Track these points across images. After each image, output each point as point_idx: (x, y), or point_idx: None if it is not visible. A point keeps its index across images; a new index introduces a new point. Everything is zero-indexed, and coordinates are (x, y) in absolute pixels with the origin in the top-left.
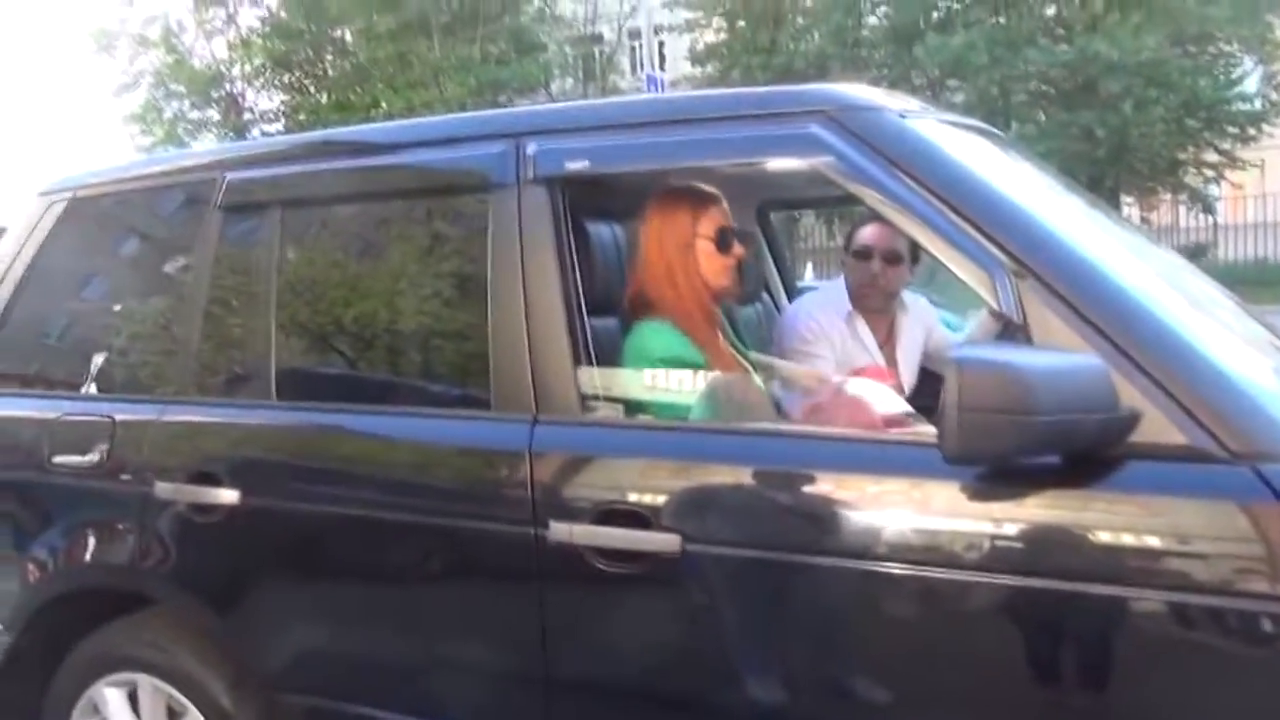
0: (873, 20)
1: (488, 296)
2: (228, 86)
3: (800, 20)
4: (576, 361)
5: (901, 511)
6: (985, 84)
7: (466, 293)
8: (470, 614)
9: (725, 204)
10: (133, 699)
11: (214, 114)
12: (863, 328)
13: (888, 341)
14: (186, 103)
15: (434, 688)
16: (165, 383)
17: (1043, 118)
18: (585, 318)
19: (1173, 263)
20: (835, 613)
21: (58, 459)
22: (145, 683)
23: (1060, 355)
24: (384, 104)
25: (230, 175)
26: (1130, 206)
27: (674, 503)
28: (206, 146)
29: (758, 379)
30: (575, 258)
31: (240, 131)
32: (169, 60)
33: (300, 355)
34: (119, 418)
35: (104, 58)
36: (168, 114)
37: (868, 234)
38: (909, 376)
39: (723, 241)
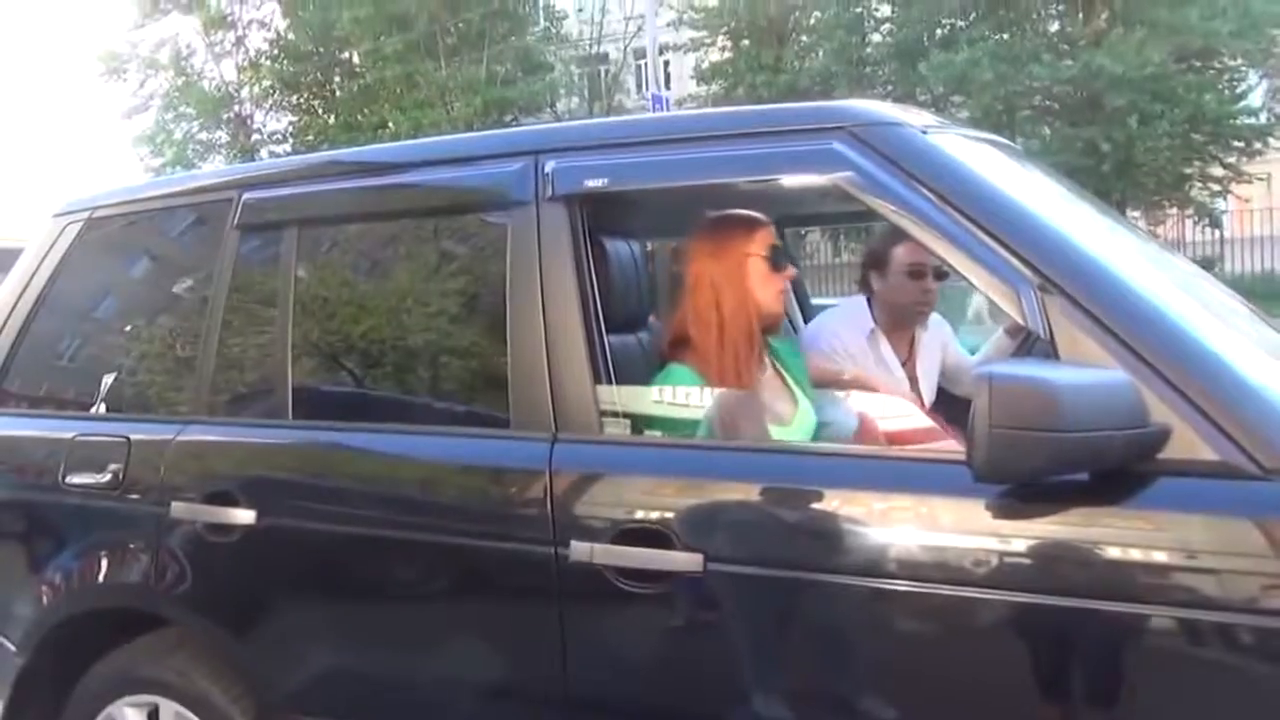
0: (877, 38)
1: (506, 314)
2: (236, 108)
3: (804, 38)
4: (596, 380)
5: (929, 529)
6: (990, 100)
7: (485, 311)
8: (490, 635)
9: (772, 227)
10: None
11: (223, 135)
12: (885, 346)
13: (909, 359)
14: (196, 125)
15: (454, 709)
16: (181, 403)
17: (1048, 133)
18: (604, 336)
19: (1194, 276)
20: (860, 632)
21: (72, 479)
22: (165, 706)
23: (1089, 370)
24: (391, 124)
25: (247, 195)
26: (1137, 221)
27: (696, 521)
28: (216, 168)
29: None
30: (594, 276)
31: (249, 153)
32: (178, 83)
33: (317, 374)
34: (135, 438)
35: (113, 80)
36: (177, 136)
37: (917, 252)
38: (929, 394)
39: (776, 260)
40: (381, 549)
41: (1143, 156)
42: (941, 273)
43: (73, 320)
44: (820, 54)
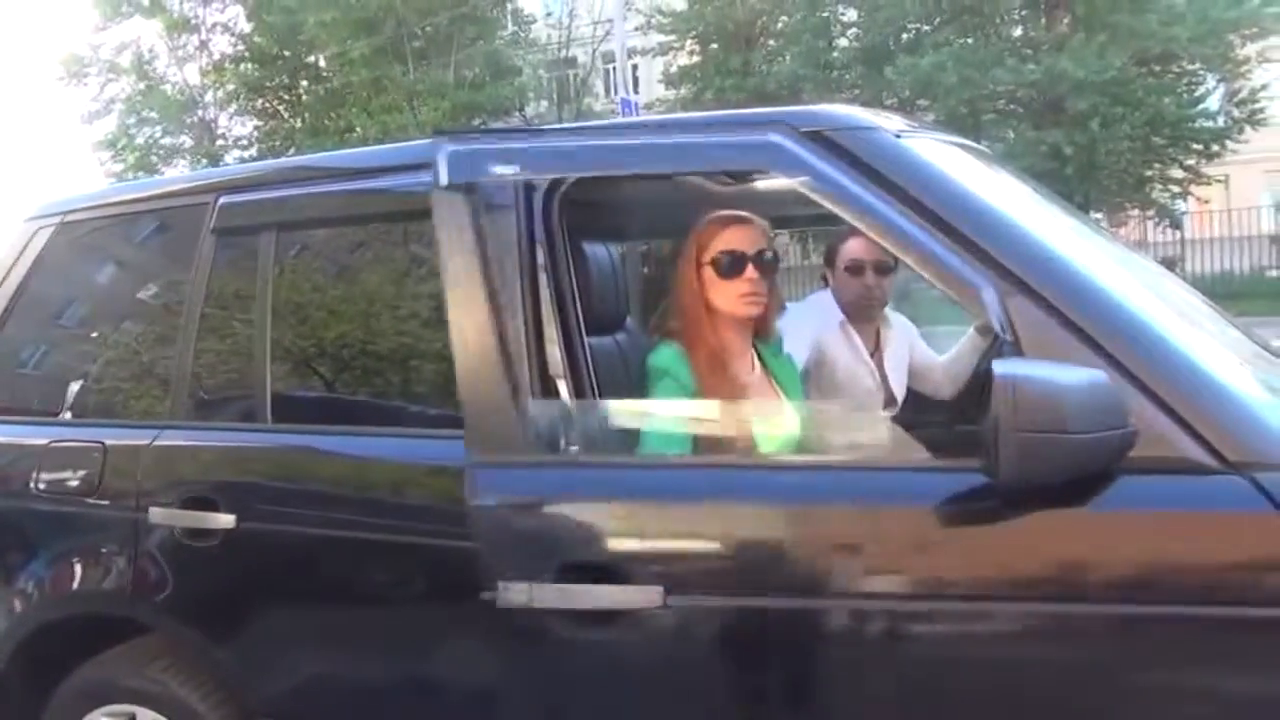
0: (843, 42)
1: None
2: (200, 113)
3: (772, 43)
4: (537, 392)
5: (916, 543)
6: (955, 103)
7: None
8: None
9: (753, 227)
10: None
11: (187, 140)
12: (855, 337)
13: (875, 353)
14: (159, 129)
15: (430, 711)
16: (158, 407)
17: (1012, 136)
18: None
19: (1158, 276)
20: (862, 659)
21: (46, 485)
22: (143, 716)
23: (1082, 371)
24: (359, 128)
25: (223, 199)
26: (1100, 222)
27: (651, 549)
28: (180, 173)
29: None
30: (572, 276)
31: (214, 157)
32: (141, 87)
33: (296, 378)
34: (110, 443)
35: (74, 85)
36: (139, 140)
37: (858, 248)
38: (899, 388)
39: (728, 266)
40: (360, 552)
41: (1104, 159)
42: (884, 268)
43: (45, 325)
44: (787, 58)
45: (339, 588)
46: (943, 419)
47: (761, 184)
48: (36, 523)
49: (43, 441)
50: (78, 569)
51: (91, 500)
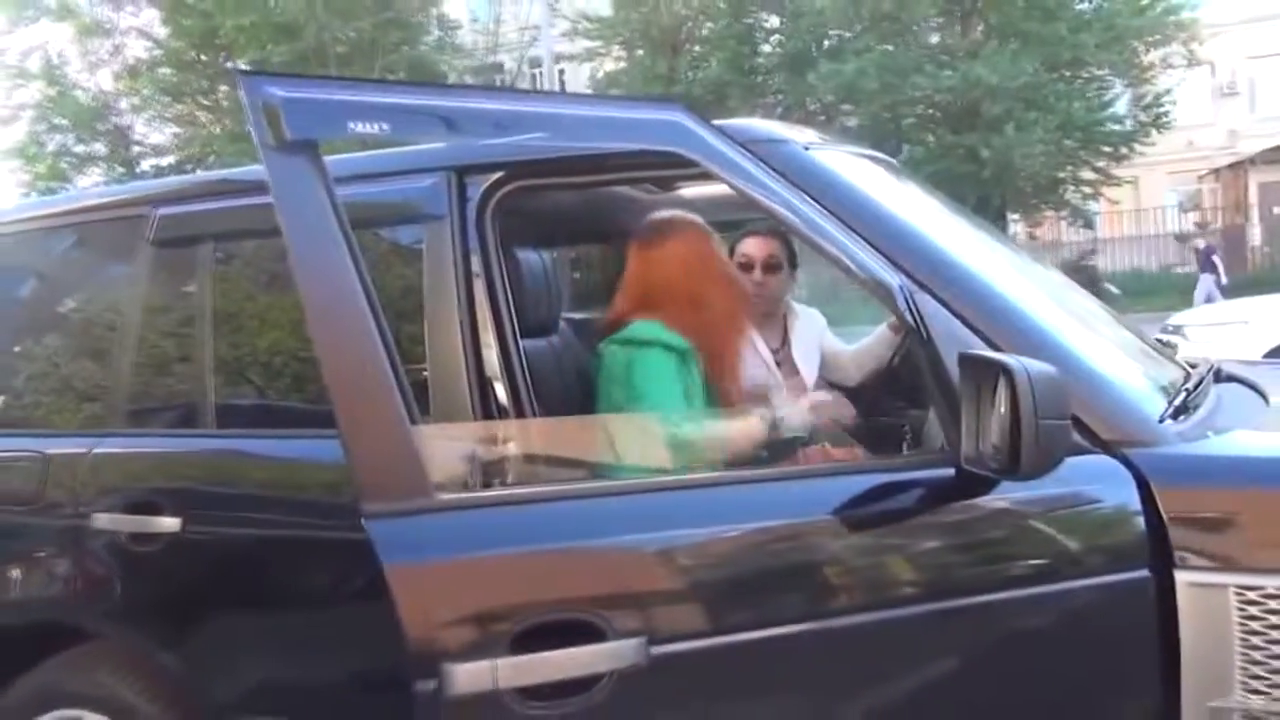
0: (767, 48)
1: (424, 324)
2: (115, 119)
3: (697, 49)
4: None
5: (906, 542)
6: (877, 109)
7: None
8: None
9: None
10: None
11: (101, 148)
12: (755, 336)
13: (783, 347)
14: (71, 136)
15: (372, 700)
16: (97, 416)
17: (932, 140)
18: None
19: (1050, 276)
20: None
21: None
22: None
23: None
24: None
25: (161, 210)
26: (1017, 223)
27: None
28: (94, 181)
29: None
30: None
31: (129, 165)
32: (51, 93)
33: (238, 384)
34: (51, 452)
35: None
36: (50, 148)
37: (748, 246)
38: (810, 377)
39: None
40: (304, 551)
41: (1020, 162)
42: (772, 266)
43: None
44: (713, 64)
45: (283, 585)
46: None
47: (686, 191)
48: None
49: None
50: (22, 577)
51: (34, 509)
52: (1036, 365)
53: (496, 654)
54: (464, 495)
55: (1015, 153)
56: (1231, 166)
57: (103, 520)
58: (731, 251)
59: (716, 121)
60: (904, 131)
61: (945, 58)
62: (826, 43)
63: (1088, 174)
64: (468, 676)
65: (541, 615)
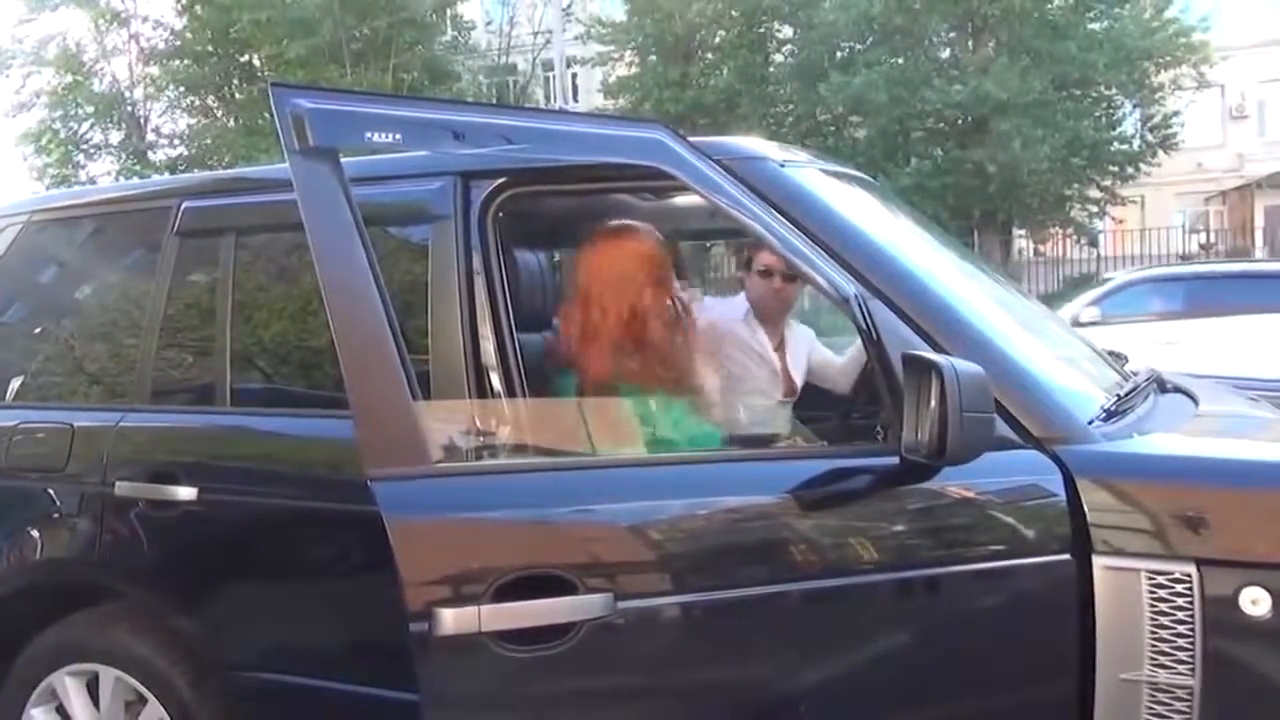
0: (779, 58)
1: (428, 316)
2: (130, 108)
3: (710, 56)
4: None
5: (863, 520)
6: (886, 121)
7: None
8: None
9: None
10: (90, 689)
11: (115, 136)
12: (760, 332)
13: (779, 350)
14: (86, 124)
15: (374, 659)
16: (123, 392)
17: (940, 154)
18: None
19: (1004, 287)
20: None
21: (16, 463)
22: (105, 673)
23: (970, 361)
24: None
25: (186, 203)
26: (1023, 239)
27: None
28: (105, 168)
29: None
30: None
31: (142, 154)
32: (67, 80)
33: (253, 367)
34: (78, 425)
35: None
36: (64, 134)
37: (768, 256)
38: (799, 381)
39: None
40: (308, 521)
41: (1026, 178)
42: (790, 274)
43: (12, 316)
44: (725, 72)
45: (288, 551)
46: (839, 409)
47: (679, 199)
48: (8, 497)
49: (11, 424)
50: (47, 540)
51: (60, 477)
52: (965, 365)
53: (480, 601)
54: (457, 464)
55: (1022, 169)
56: (1239, 189)
57: (124, 488)
58: (750, 261)
59: (695, 139)
60: (912, 144)
61: (955, 72)
62: (839, 54)
63: (1094, 192)
64: (454, 620)
65: (521, 570)
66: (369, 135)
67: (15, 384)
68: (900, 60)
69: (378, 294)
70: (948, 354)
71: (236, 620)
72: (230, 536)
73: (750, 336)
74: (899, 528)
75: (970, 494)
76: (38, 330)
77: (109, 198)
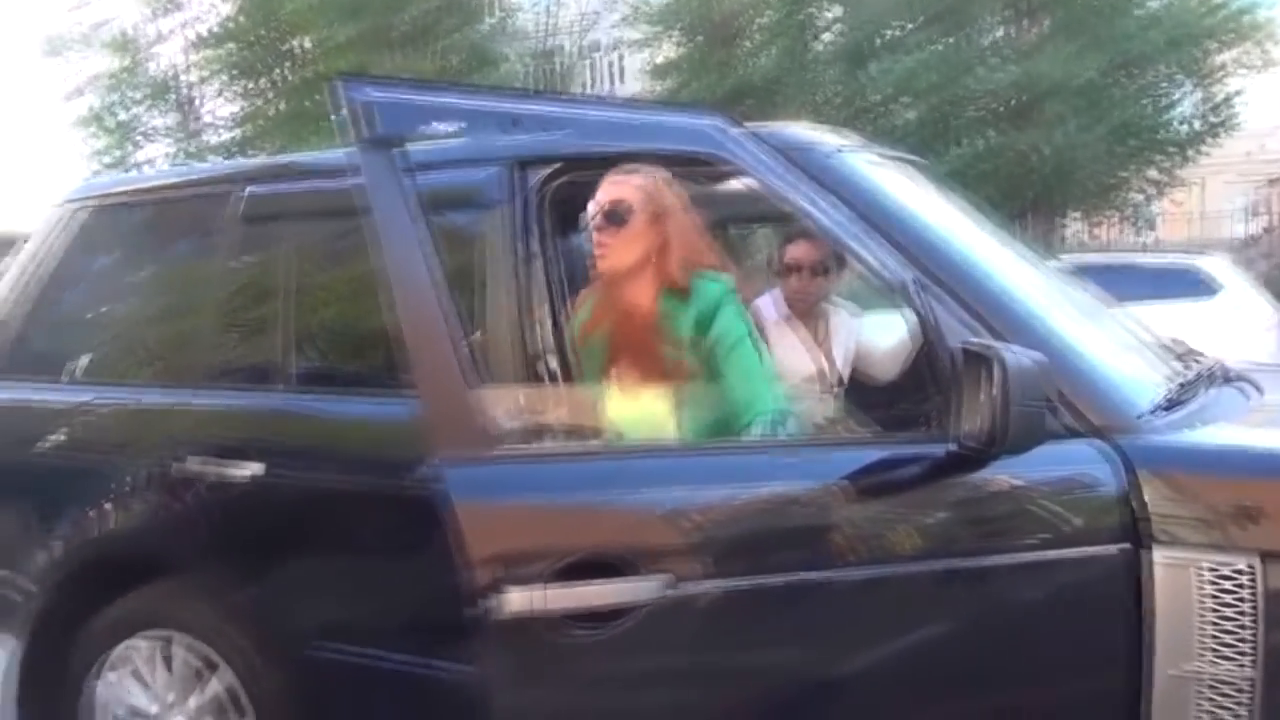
0: (825, 39)
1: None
2: (183, 91)
3: (754, 39)
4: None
5: (904, 511)
6: (934, 104)
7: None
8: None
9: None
10: (161, 656)
11: (167, 120)
12: (801, 329)
13: (821, 344)
14: (140, 108)
15: (430, 635)
16: (187, 373)
17: (990, 135)
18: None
19: (1060, 273)
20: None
21: (83, 440)
22: (179, 640)
23: (1031, 351)
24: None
25: (249, 189)
26: (1077, 222)
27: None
28: (161, 151)
29: None
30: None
31: (195, 136)
32: (123, 63)
33: (313, 348)
34: (145, 402)
35: (56, 61)
36: (121, 117)
37: (795, 250)
38: (844, 372)
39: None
40: (363, 500)
41: (1081, 161)
42: (819, 269)
43: (81, 297)
44: (770, 54)
45: (349, 530)
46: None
47: (730, 186)
48: (79, 472)
49: (79, 401)
50: (118, 514)
51: (128, 452)
52: (1023, 354)
53: (541, 583)
54: (519, 448)
55: (1074, 152)
56: None
57: (191, 465)
58: (778, 254)
59: (750, 126)
60: (959, 128)
61: (1006, 53)
62: (885, 36)
63: (1152, 173)
64: (517, 600)
65: (580, 553)
66: (432, 125)
67: (84, 362)
68: (950, 41)
69: (440, 281)
70: (1005, 342)
71: (294, 593)
72: (291, 513)
73: (790, 332)
74: (953, 516)
75: (1026, 483)
76: (105, 311)
77: (173, 183)
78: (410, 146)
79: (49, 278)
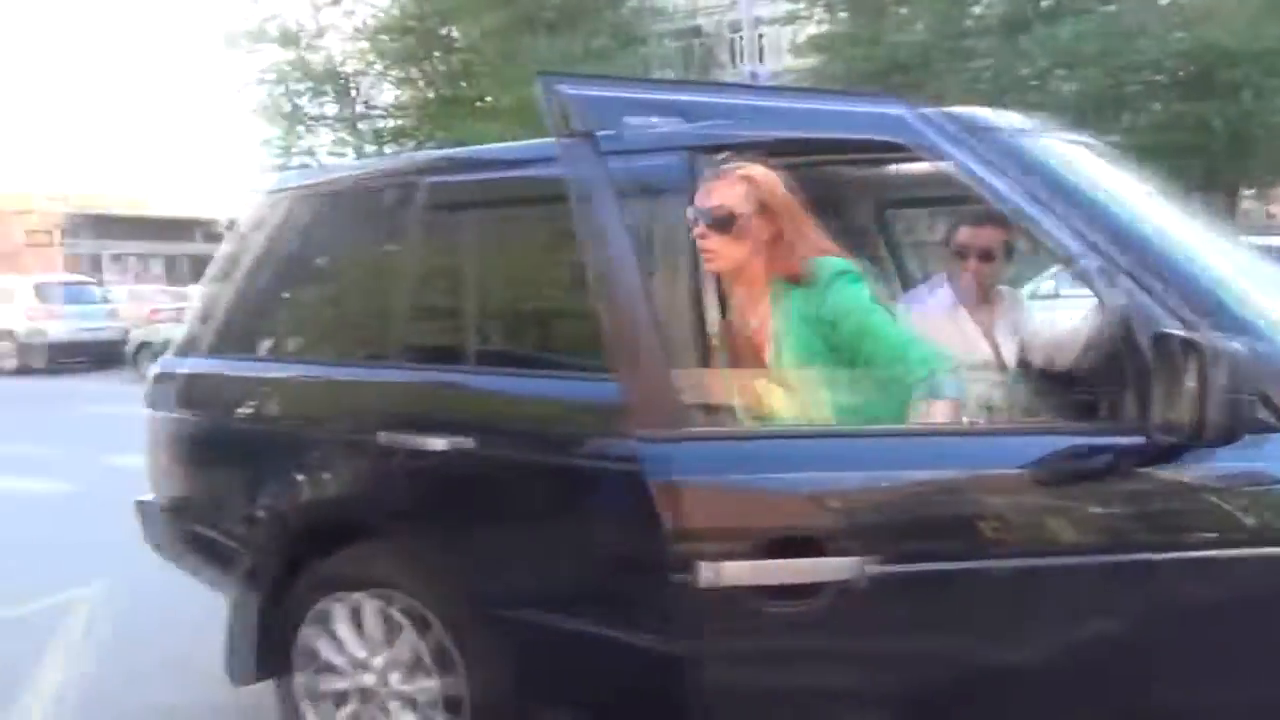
0: (977, 9)
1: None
2: (343, 82)
3: (903, 10)
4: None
5: (1098, 498)
6: (1096, 75)
7: None
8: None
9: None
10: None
11: (330, 109)
12: (965, 319)
13: (989, 333)
14: (305, 98)
15: (613, 603)
16: (382, 351)
17: (1158, 108)
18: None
19: (1254, 255)
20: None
21: (289, 412)
22: (381, 596)
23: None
24: (490, 99)
25: (430, 179)
26: (1250, 199)
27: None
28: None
29: None
30: None
31: (354, 124)
32: (289, 55)
33: (495, 329)
34: (340, 378)
35: (233, 53)
36: (286, 108)
37: (964, 234)
38: (1010, 360)
39: None
40: (549, 472)
41: (1258, 133)
42: (988, 254)
43: (286, 280)
44: (920, 26)
45: (535, 500)
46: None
47: (887, 168)
48: (287, 444)
49: (284, 376)
50: (325, 482)
51: (326, 425)
52: (1225, 343)
53: (738, 557)
54: (715, 429)
55: (1253, 123)
56: None
57: (385, 438)
58: (948, 239)
59: (928, 110)
60: (1126, 100)
61: (1176, 19)
62: (1044, 3)
63: None
64: (715, 573)
65: (775, 530)
66: (627, 118)
67: (291, 343)
68: (1114, 7)
69: (637, 267)
70: (1203, 331)
71: (487, 559)
72: (485, 484)
73: (955, 326)
74: (1149, 508)
75: (1227, 476)
76: (308, 293)
77: (365, 173)
78: (602, 136)
79: (256, 263)
